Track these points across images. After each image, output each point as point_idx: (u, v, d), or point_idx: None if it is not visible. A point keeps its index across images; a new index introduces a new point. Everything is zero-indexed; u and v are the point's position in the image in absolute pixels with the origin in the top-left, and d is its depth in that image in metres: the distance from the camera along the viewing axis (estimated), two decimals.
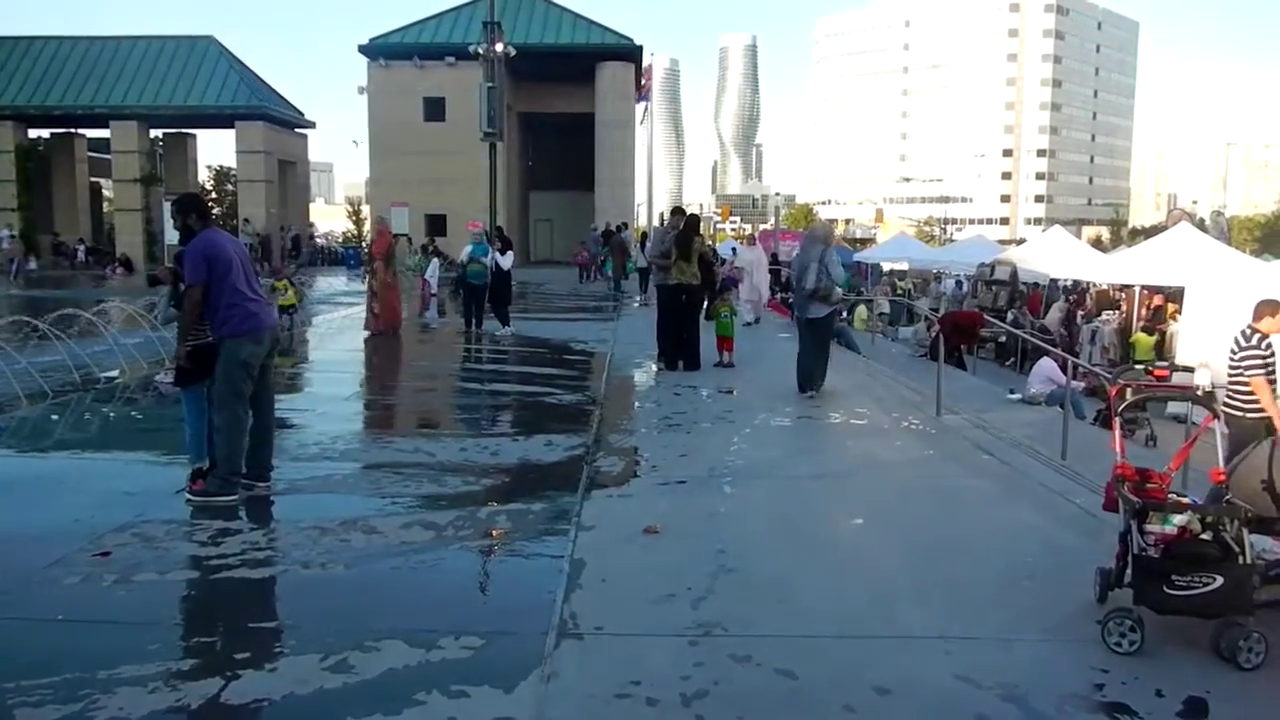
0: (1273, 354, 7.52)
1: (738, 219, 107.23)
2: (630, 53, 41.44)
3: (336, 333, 18.07)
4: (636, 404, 10.89)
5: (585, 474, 7.29)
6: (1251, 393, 7.35)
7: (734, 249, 29.36)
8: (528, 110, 41.78)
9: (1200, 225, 41.91)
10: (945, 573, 5.37)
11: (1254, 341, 7.39)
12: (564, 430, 8.92)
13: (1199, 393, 5.54)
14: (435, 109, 39.12)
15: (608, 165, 40.65)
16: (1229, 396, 7.60)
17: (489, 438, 8.69)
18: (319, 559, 5.34)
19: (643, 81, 44.79)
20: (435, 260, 23.79)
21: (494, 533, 5.93)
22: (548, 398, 10.98)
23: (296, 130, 47.34)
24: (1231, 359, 7.59)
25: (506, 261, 16.60)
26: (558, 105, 41.66)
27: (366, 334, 16.15)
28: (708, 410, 10.20)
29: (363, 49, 40.24)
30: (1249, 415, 7.20)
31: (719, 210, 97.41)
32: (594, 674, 3.99)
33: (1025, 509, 6.80)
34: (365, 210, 66.17)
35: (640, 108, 46.44)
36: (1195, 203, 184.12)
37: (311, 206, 61.03)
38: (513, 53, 26.41)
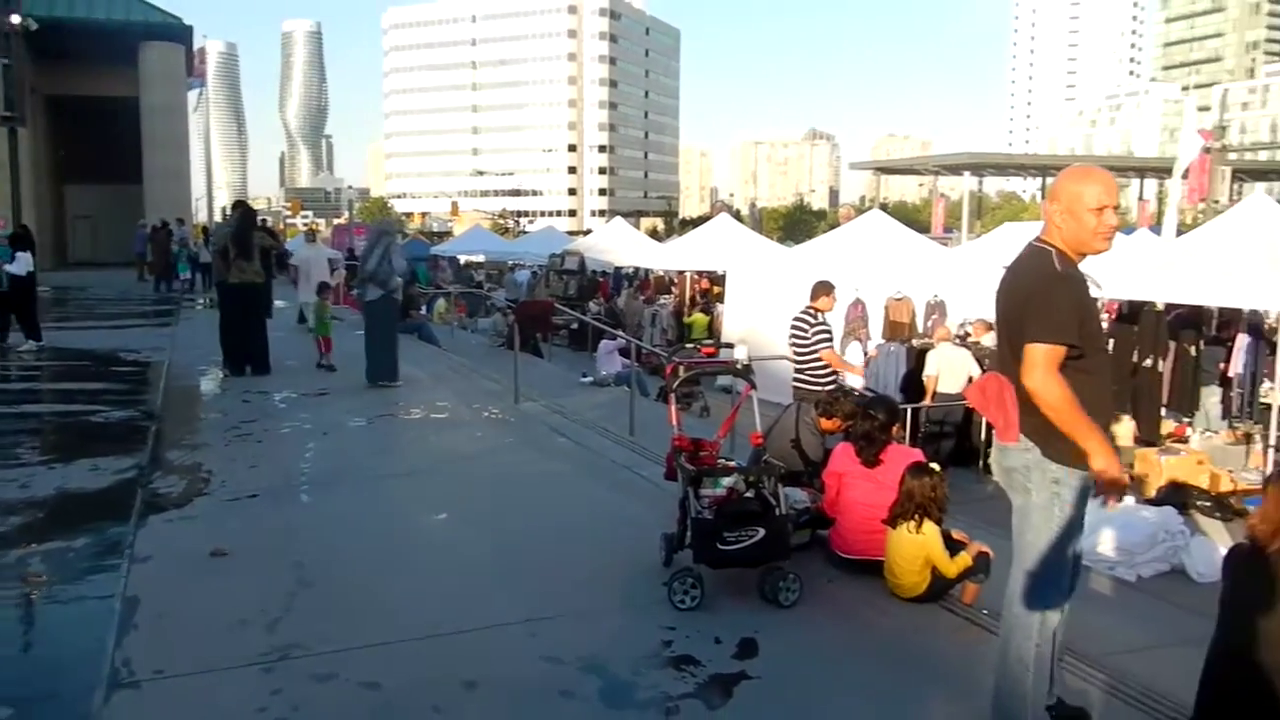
0: (829, 328, 8.63)
1: (310, 213, 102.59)
2: (179, 33, 37.75)
3: None
4: (201, 415, 9.98)
5: (139, 498, 6.54)
6: (825, 367, 8.38)
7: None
8: (58, 93, 36.51)
9: (737, 216, 47.13)
10: (531, 558, 5.52)
11: (819, 320, 8.43)
12: (112, 451, 7.93)
13: (738, 366, 6.18)
14: None
15: (158, 155, 36.78)
16: (800, 372, 8.59)
17: (18, 468, 7.49)
18: None
19: (196, 65, 41.08)
20: None
21: (28, 579, 5.11)
22: (92, 416, 9.72)
23: None
24: (801, 339, 8.55)
25: (19, 266, 14.17)
26: (96, 88, 36.85)
27: None
28: (281, 416, 9.62)
29: None
30: (822, 387, 8.13)
31: (289, 204, 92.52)
32: None
33: (600, 487, 7.19)
34: None
35: (194, 94, 42.59)
36: (732, 195, 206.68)
37: None
38: (33, 26, 22.91)
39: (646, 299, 22.72)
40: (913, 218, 56.26)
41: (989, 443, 10.90)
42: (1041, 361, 3.15)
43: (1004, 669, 3.44)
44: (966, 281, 14.38)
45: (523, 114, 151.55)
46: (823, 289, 8.57)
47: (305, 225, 78.55)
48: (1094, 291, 3.46)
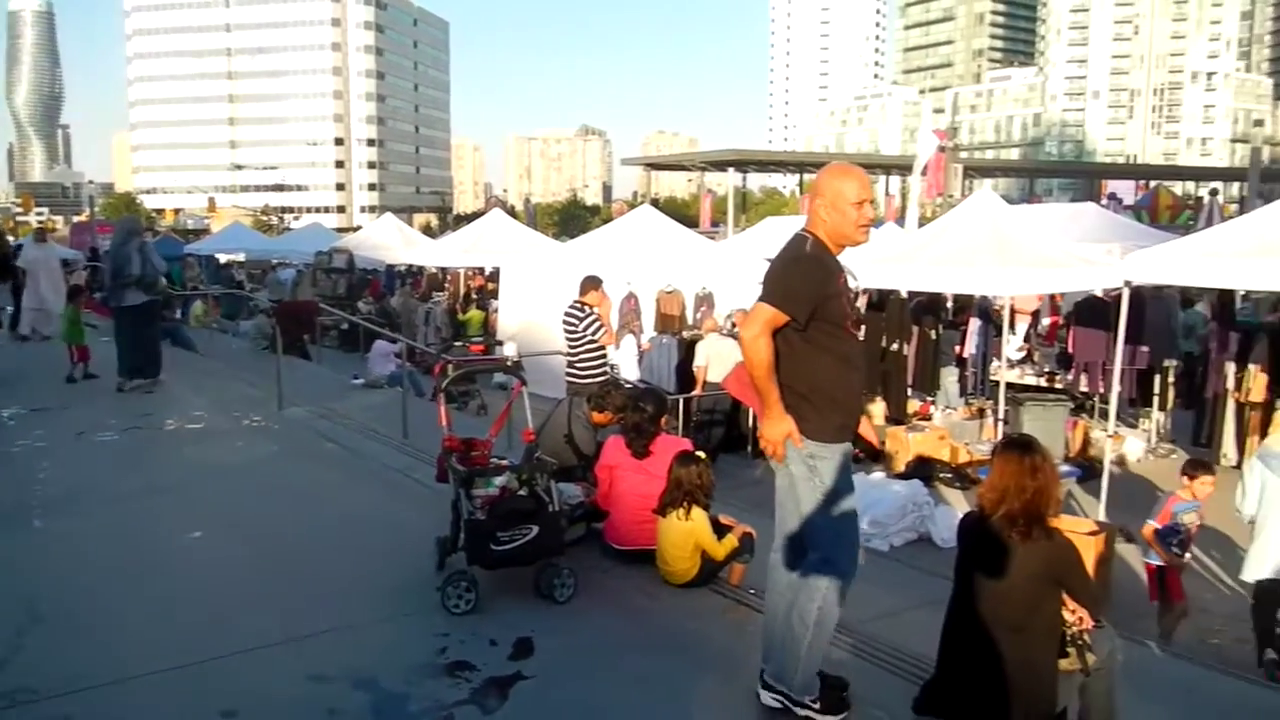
0: (599, 318, 8.69)
1: (45, 210, 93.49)
2: None
3: None
4: None
5: None
6: (596, 361, 8.44)
7: None
8: None
9: (512, 211, 46.93)
10: (296, 572, 5.26)
11: (589, 314, 8.48)
12: None
13: (508, 363, 6.13)
14: None
15: None
16: (572, 367, 8.61)
17: None
18: None
19: None
20: None
21: None
22: None
23: None
24: (574, 333, 8.58)
25: None
26: None
27: None
28: (12, 434, 8.70)
29: None
30: (594, 381, 8.16)
31: (19, 200, 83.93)
32: None
33: (371, 493, 6.95)
34: None
35: None
36: (506, 191, 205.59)
37: None
38: None
39: (420, 297, 22.20)
40: (682, 212, 57.90)
41: (756, 429, 11.41)
42: (760, 319, 3.37)
43: (785, 629, 3.56)
44: (733, 274, 14.95)
45: (284, 105, 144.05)
46: (591, 284, 8.66)
47: (39, 223, 71.62)
48: (851, 282, 3.66)
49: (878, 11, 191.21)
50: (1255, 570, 5.91)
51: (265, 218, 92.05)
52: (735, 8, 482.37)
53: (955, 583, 3.58)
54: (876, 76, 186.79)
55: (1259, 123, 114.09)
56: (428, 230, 60.81)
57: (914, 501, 8.49)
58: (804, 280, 3.40)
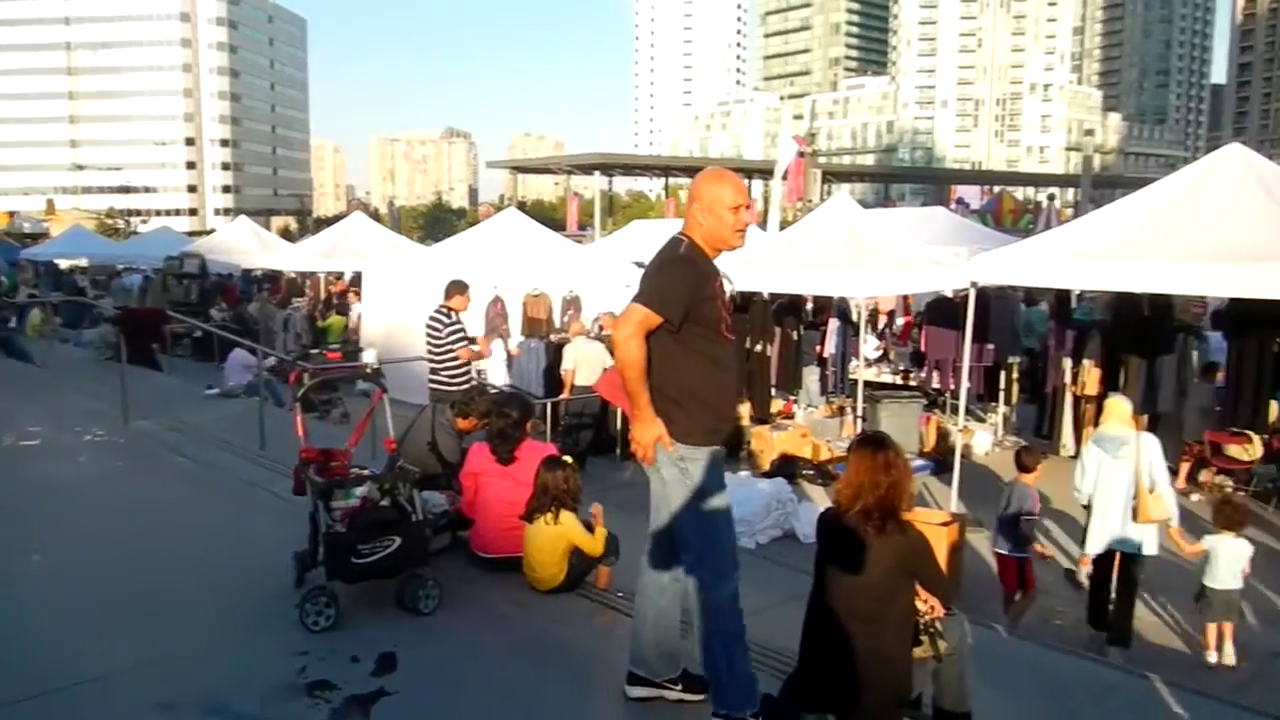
0: (464, 325, 8.55)
1: None
2: None
3: None
4: None
5: None
6: (460, 366, 8.28)
7: None
8: None
9: (375, 215, 45.88)
10: (145, 594, 4.98)
11: (453, 319, 8.32)
12: None
13: (368, 370, 5.98)
14: None
15: None
16: (436, 373, 8.43)
17: None
18: None
19: None
20: None
21: None
22: None
23: None
24: (437, 338, 8.41)
25: None
26: None
27: None
28: None
29: None
30: (458, 387, 8.00)
31: None
32: None
33: (225, 508, 6.67)
34: None
35: None
36: (368, 193, 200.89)
37: None
38: None
39: (279, 303, 21.46)
40: (549, 215, 57.85)
41: (625, 432, 11.47)
42: (633, 320, 3.37)
43: (655, 631, 3.66)
44: (600, 277, 15.00)
45: (130, 103, 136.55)
46: (456, 288, 8.54)
47: None
48: (726, 286, 3.70)
49: (739, 19, 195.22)
50: (1095, 544, 6.36)
51: (110, 221, 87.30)
52: (599, 13, 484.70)
53: (815, 578, 3.67)
54: (739, 83, 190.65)
55: (1089, 132, 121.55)
56: (286, 234, 58.75)
57: (778, 499, 8.68)
58: (678, 282, 3.42)
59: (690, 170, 63.01)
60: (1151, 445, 6.30)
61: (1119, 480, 6.25)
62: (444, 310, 8.42)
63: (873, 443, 3.64)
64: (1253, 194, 7.65)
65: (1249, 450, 9.43)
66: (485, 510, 5.39)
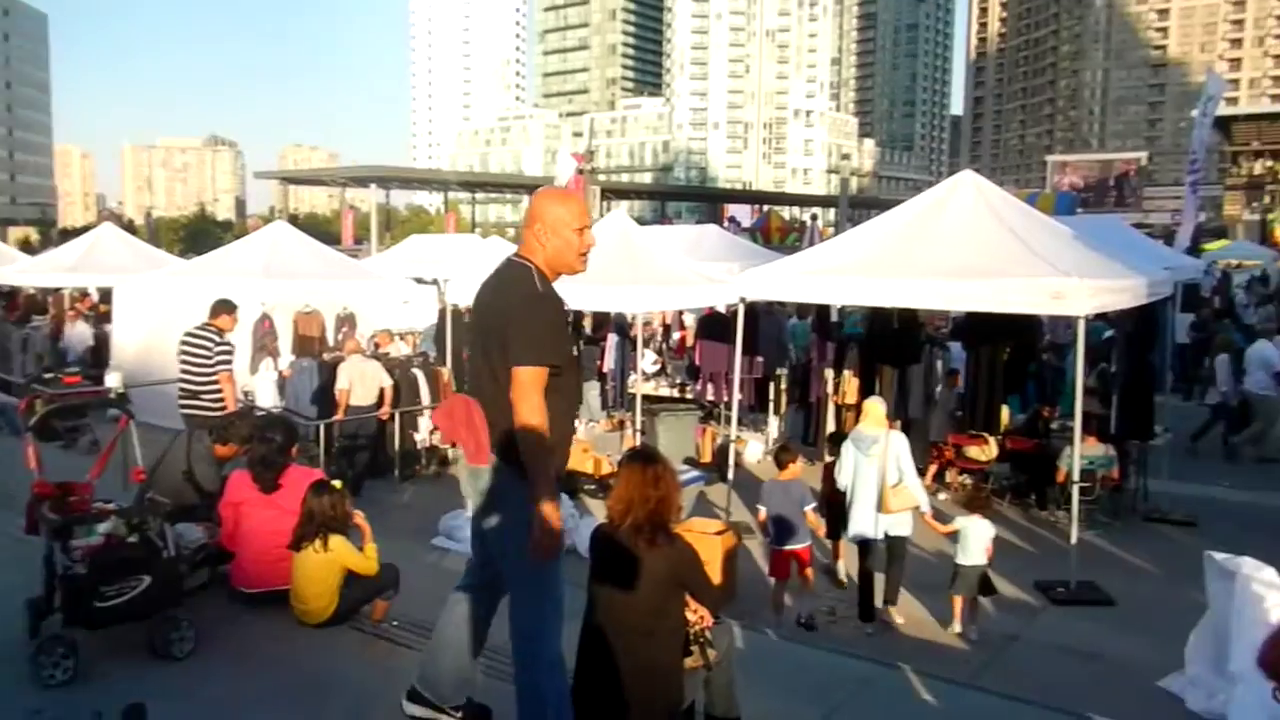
0: (233, 348, 8.02)
1: None
2: None
3: None
4: None
5: None
6: (221, 390, 7.75)
7: None
8: None
9: (130, 226, 42.59)
10: None
11: (223, 340, 7.78)
12: None
13: (112, 395, 5.53)
14: None
15: None
16: (194, 396, 7.86)
17: None
18: None
19: None
20: None
21: None
22: None
23: None
24: (203, 360, 7.83)
25: None
26: None
27: None
28: None
29: None
30: (218, 412, 7.47)
31: None
32: None
33: None
34: None
35: None
36: (122, 203, 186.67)
37: None
38: None
39: (16, 320, 19.48)
40: (324, 229, 55.64)
41: (404, 453, 11.18)
42: (530, 384, 3.13)
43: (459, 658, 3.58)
44: (376, 293, 14.57)
45: None
46: (224, 307, 8.05)
47: None
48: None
49: (518, 36, 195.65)
50: (852, 529, 7.00)
51: None
52: (375, 25, 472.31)
53: (589, 593, 3.70)
54: (519, 99, 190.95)
55: (846, 156, 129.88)
56: (26, 245, 53.53)
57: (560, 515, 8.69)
58: (548, 324, 3.24)
59: (470, 185, 62.51)
60: (898, 442, 6.95)
61: (870, 474, 6.86)
62: (212, 330, 7.91)
63: (642, 458, 3.71)
64: (984, 217, 8.41)
65: (986, 451, 10.31)
66: (247, 542, 5.09)
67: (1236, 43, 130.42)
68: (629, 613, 3.50)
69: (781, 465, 7.19)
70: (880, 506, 6.78)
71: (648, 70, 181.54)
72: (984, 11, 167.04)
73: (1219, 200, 58.59)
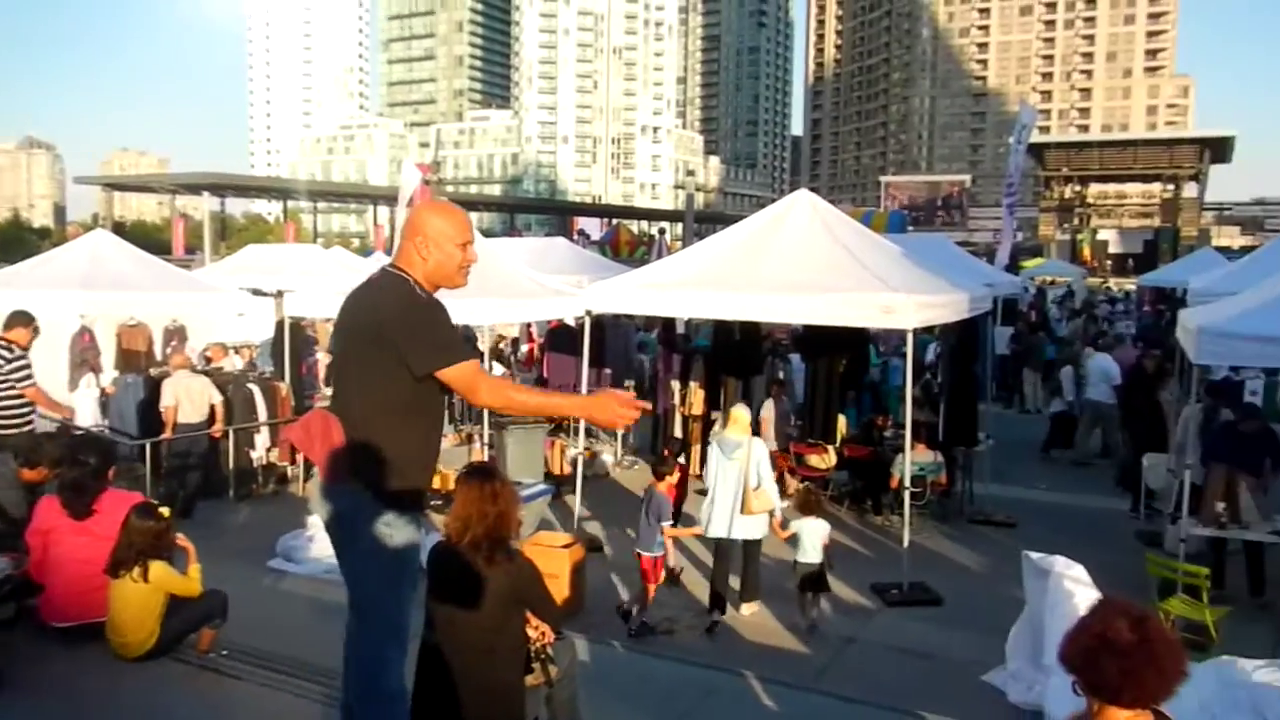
0: (30, 362, 7.43)
1: None
2: None
3: None
4: None
5: None
6: (23, 408, 7.16)
7: None
8: None
9: None
10: None
11: (17, 354, 7.23)
12: None
13: None
14: None
15: None
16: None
17: None
18: None
19: None
20: None
21: None
22: None
23: None
24: None
25: None
26: None
27: None
28: None
29: None
30: (20, 431, 6.93)
31: None
32: None
33: None
34: None
35: None
36: None
37: None
38: None
39: None
40: (155, 237, 52.80)
41: (239, 472, 10.68)
42: (472, 378, 3.10)
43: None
44: (209, 305, 13.88)
45: None
46: (17, 319, 7.46)
47: None
48: None
49: (361, 44, 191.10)
50: (714, 529, 7.22)
51: None
52: (209, 26, 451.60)
53: (426, 611, 3.62)
54: (363, 108, 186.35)
55: (691, 172, 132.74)
56: None
57: None
58: (449, 323, 3.20)
59: (312, 194, 60.51)
60: (759, 449, 7.32)
61: (731, 476, 7.15)
62: (2, 345, 7.34)
63: (479, 474, 3.67)
64: (819, 234, 8.72)
65: (825, 459, 10.67)
66: (58, 572, 4.75)
67: (1048, 76, 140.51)
68: (468, 631, 3.45)
69: (659, 477, 7.31)
70: (742, 508, 7.07)
71: (495, 83, 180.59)
72: (820, 38, 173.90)
73: (1035, 221, 62.86)
